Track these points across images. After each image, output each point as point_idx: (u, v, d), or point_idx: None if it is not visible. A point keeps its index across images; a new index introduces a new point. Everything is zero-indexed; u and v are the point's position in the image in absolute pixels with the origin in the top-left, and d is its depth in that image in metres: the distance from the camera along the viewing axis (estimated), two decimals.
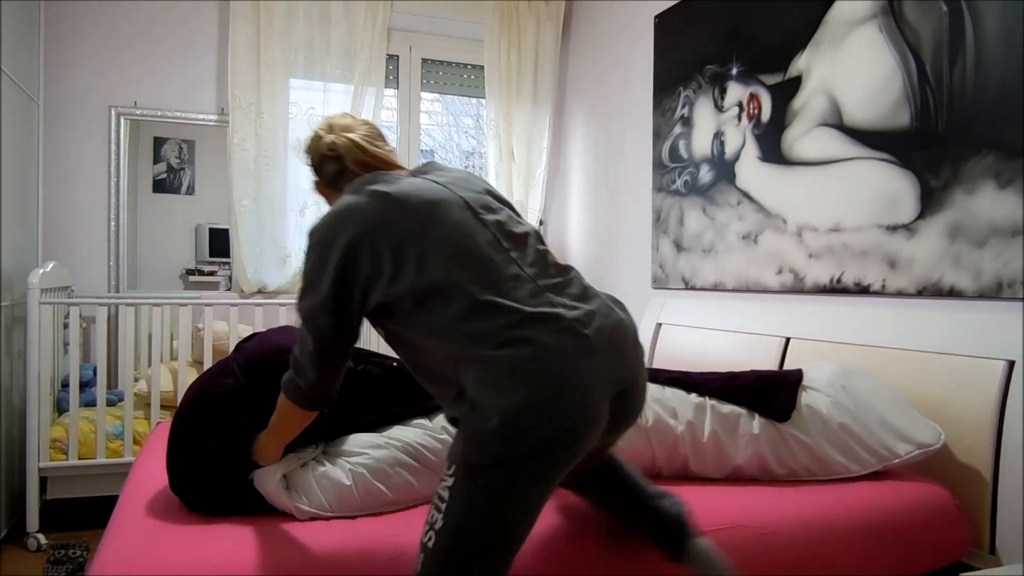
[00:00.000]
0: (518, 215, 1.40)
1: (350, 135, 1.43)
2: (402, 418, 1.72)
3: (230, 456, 1.55)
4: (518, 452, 1.12)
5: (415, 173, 1.38)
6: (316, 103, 3.64)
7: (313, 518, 1.52)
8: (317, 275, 1.27)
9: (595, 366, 1.18)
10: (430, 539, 1.15)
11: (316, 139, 1.47)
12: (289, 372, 1.37)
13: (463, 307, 1.19)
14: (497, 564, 1.15)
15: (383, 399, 1.74)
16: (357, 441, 1.66)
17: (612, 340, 1.22)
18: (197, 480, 1.54)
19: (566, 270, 1.33)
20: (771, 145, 2.59)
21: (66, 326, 3.02)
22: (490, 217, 1.31)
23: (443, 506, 1.14)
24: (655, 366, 2.70)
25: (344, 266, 1.25)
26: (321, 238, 1.27)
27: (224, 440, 1.55)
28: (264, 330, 1.83)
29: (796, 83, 2.47)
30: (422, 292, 1.22)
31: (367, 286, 1.25)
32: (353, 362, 1.74)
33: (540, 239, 1.36)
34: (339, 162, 1.43)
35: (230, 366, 1.65)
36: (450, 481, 1.15)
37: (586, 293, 1.29)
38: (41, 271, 2.63)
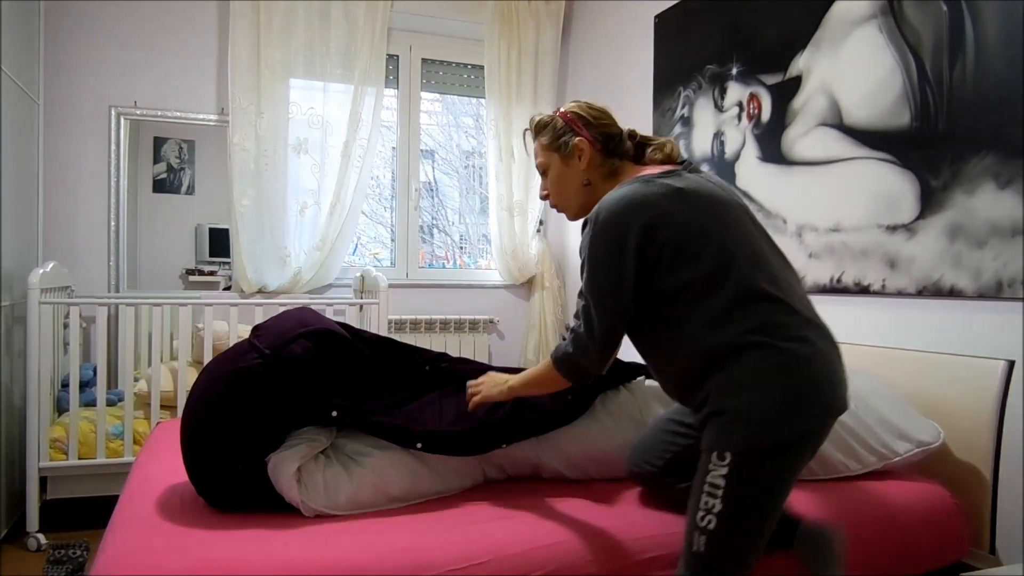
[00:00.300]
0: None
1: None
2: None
3: (255, 437, 1.55)
4: (793, 436, 1.26)
5: (690, 170, 1.47)
6: (316, 103, 3.64)
7: (318, 515, 1.52)
8: (611, 258, 1.34)
9: (844, 375, 1.34)
10: (709, 522, 1.25)
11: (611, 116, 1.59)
12: (566, 347, 1.42)
13: (748, 297, 1.30)
14: (764, 540, 1.29)
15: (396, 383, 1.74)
16: (363, 439, 1.67)
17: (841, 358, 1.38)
18: (219, 463, 1.53)
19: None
20: (771, 145, 2.59)
21: (66, 326, 3.02)
22: (759, 225, 1.44)
23: (719, 492, 1.25)
24: None
25: (640, 251, 1.33)
26: (616, 223, 1.34)
27: (251, 419, 1.55)
28: (281, 312, 1.82)
29: (796, 83, 2.47)
30: (707, 279, 1.31)
31: (654, 270, 1.34)
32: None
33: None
34: (631, 150, 1.56)
35: (249, 346, 1.63)
36: (723, 469, 1.25)
37: None
38: (41, 271, 2.63)
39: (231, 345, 1.82)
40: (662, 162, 1.53)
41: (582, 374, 1.44)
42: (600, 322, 1.37)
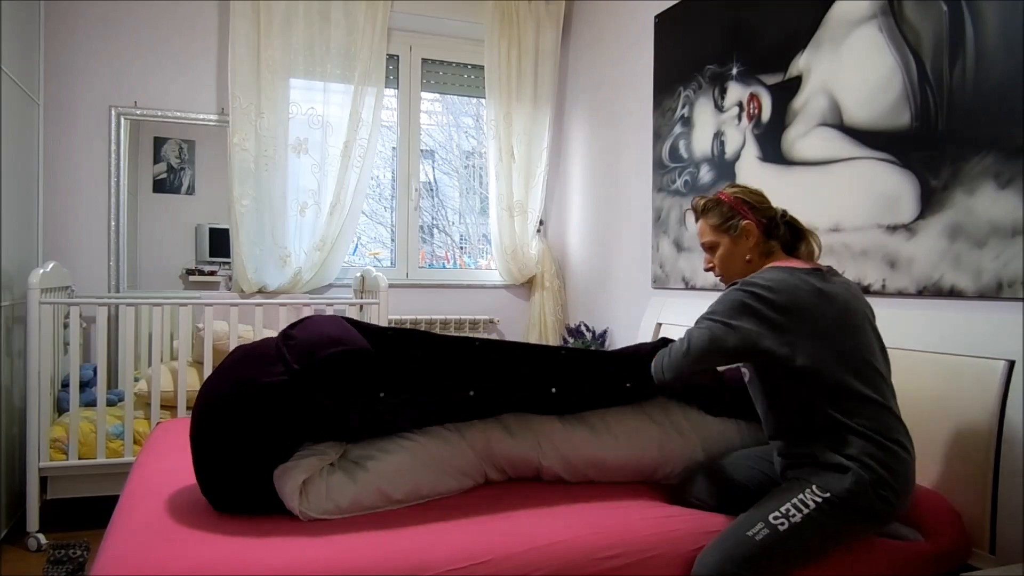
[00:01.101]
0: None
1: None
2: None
3: (270, 449, 1.54)
4: (873, 517, 1.47)
5: (829, 273, 1.64)
6: (316, 103, 3.64)
7: (312, 520, 1.52)
8: (738, 314, 1.53)
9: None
10: (781, 524, 1.43)
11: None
12: (662, 354, 1.65)
13: (857, 398, 1.50)
14: (791, 571, 1.47)
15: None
16: (367, 444, 1.66)
17: None
18: (231, 470, 1.52)
19: None
20: (771, 145, 2.59)
21: (66, 326, 3.02)
22: (876, 330, 1.64)
23: (804, 511, 1.44)
24: None
25: (762, 323, 1.52)
26: (759, 292, 1.53)
27: (269, 433, 1.52)
28: (310, 316, 1.76)
29: (796, 83, 2.47)
30: (829, 373, 1.51)
31: (761, 345, 1.52)
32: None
33: None
34: (786, 236, 1.73)
35: (276, 354, 1.57)
36: (819, 499, 1.45)
37: None
38: (41, 271, 2.63)
39: (257, 341, 1.74)
40: (807, 259, 1.74)
41: (660, 378, 1.65)
42: (697, 352, 1.55)
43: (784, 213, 1.76)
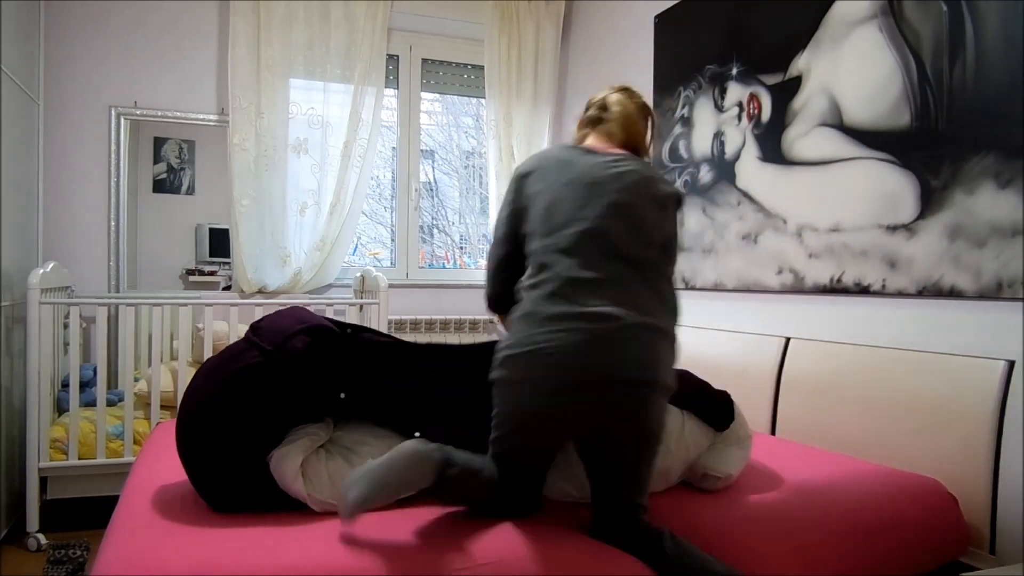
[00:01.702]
0: (644, 236, 1.53)
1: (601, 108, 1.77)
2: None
3: (259, 435, 1.55)
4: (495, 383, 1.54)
5: (587, 149, 1.68)
6: (316, 103, 3.64)
7: (325, 509, 1.53)
8: (503, 202, 1.73)
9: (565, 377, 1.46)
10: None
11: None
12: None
13: (535, 258, 1.57)
14: (504, 461, 1.54)
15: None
16: (358, 430, 1.68)
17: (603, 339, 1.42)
18: (225, 464, 1.52)
19: (619, 279, 1.48)
20: (771, 145, 2.59)
21: (66, 326, 3.02)
22: (598, 203, 1.53)
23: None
24: None
25: (508, 197, 1.71)
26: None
27: (255, 417, 1.54)
28: (273, 312, 1.82)
29: (796, 83, 2.47)
30: (529, 240, 1.61)
31: (510, 217, 1.69)
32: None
33: (627, 258, 1.51)
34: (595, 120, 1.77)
35: (248, 344, 1.62)
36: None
37: (616, 300, 1.44)
38: (41, 271, 2.63)
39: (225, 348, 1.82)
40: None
41: (489, 304, 1.85)
42: (491, 255, 1.78)
43: (604, 100, 1.75)
